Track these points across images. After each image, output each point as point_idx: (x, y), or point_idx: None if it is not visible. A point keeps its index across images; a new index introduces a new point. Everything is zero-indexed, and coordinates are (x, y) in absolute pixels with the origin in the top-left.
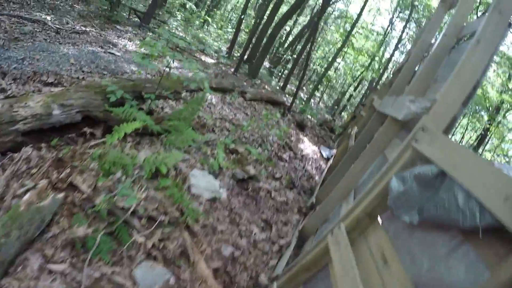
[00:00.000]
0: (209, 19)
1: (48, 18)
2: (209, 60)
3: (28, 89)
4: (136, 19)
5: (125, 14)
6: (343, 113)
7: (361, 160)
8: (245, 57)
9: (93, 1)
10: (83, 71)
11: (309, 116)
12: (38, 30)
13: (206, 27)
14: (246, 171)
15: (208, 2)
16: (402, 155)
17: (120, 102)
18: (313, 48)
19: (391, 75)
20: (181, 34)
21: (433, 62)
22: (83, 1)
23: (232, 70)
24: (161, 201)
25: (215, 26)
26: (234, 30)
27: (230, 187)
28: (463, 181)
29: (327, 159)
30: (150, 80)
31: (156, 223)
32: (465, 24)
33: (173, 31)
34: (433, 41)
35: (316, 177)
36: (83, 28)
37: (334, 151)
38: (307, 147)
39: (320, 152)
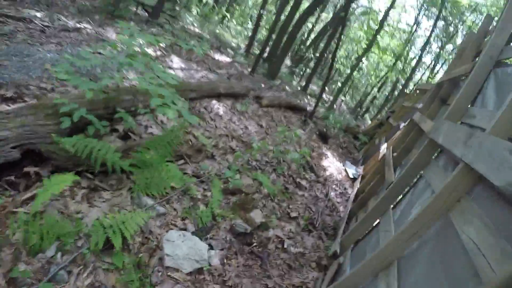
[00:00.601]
0: (228, 15)
1: (38, 15)
2: (225, 59)
3: None
4: (145, 13)
5: (132, 8)
6: (366, 115)
7: (412, 226)
8: (265, 55)
9: None
10: (57, 80)
11: (332, 122)
12: (20, 30)
13: (226, 23)
14: (251, 221)
15: None
16: None
17: (84, 124)
18: (339, 46)
19: (434, 83)
20: (196, 30)
21: (474, 86)
22: None
23: (249, 70)
24: None
25: (234, 22)
26: (266, 29)
27: (226, 245)
28: None
29: (354, 179)
30: (131, 90)
31: None
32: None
33: (188, 27)
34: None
35: (341, 208)
36: (77, 25)
37: (361, 170)
38: (331, 164)
39: (345, 170)
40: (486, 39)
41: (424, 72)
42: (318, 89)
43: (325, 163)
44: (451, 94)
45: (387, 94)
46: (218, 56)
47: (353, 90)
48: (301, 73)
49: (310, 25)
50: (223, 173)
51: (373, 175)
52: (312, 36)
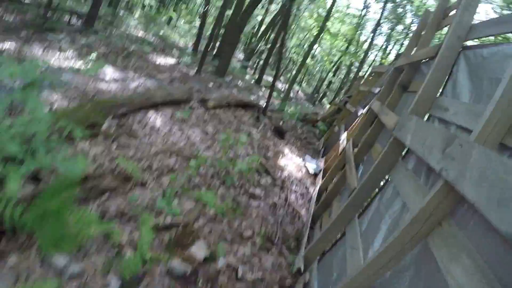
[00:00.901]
0: (174, 14)
1: None
2: (169, 61)
3: None
4: (78, 22)
5: (64, 19)
6: (324, 100)
7: (383, 257)
8: (214, 52)
9: (30, 9)
10: None
11: (289, 114)
12: None
13: (174, 23)
14: (192, 258)
15: None
16: None
17: None
18: (287, 35)
19: (389, 64)
20: (140, 33)
21: (442, 71)
22: (19, 12)
23: (196, 70)
24: None
25: (182, 22)
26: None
27: None
28: None
29: (315, 175)
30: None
31: None
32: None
33: (131, 31)
34: (472, 22)
35: (303, 211)
36: None
37: (322, 163)
38: (289, 162)
39: (305, 165)
40: (448, 17)
41: (377, 54)
42: (268, 77)
43: (282, 161)
44: (412, 80)
45: (342, 77)
46: (161, 60)
47: (308, 77)
48: (255, 66)
49: (260, 18)
50: (156, 202)
51: (334, 170)
52: (263, 28)
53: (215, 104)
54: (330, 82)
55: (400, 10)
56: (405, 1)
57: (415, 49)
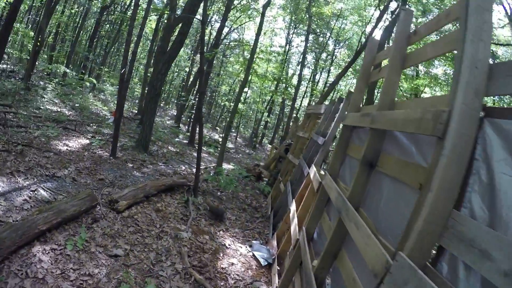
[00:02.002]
0: (94, 81)
1: None
2: (79, 143)
3: None
4: None
5: None
6: (264, 140)
7: None
8: (139, 118)
9: None
10: None
11: (224, 182)
12: None
13: (101, 86)
14: None
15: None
16: None
17: None
18: (207, 85)
19: (329, 105)
20: (55, 108)
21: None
22: None
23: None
24: None
25: (108, 84)
26: (140, 84)
27: None
28: None
29: (269, 265)
30: None
31: None
32: None
33: (45, 106)
34: None
35: None
36: None
37: (274, 245)
38: (233, 258)
39: (254, 256)
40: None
41: (307, 85)
42: (209, 131)
43: (224, 262)
44: (383, 153)
45: (278, 113)
46: (71, 143)
47: (245, 120)
48: (188, 120)
49: (188, 69)
50: None
51: (292, 263)
52: (192, 79)
53: (129, 203)
54: (266, 122)
55: (321, 39)
56: (325, 30)
57: (376, 102)
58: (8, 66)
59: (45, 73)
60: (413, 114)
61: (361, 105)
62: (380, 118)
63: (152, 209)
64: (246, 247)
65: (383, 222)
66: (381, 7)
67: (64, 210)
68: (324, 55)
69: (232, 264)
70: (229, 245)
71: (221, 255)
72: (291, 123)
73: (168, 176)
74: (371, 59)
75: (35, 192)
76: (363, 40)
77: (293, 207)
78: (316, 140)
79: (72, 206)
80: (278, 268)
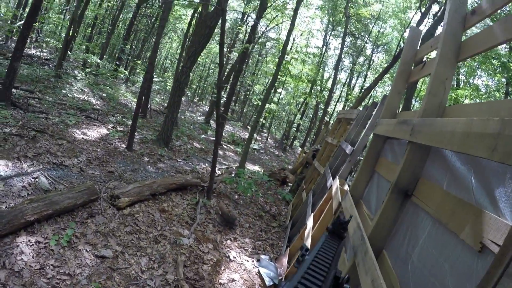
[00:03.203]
0: (126, 72)
1: None
2: (97, 133)
3: None
4: None
5: None
6: (295, 143)
7: None
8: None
9: None
10: None
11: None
12: None
13: (133, 78)
14: None
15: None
16: None
17: None
18: (242, 80)
19: (363, 111)
20: (84, 97)
21: None
22: None
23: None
24: None
25: (142, 77)
26: (172, 78)
27: None
28: None
29: (274, 286)
30: None
31: None
32: None
33: (73, 95)
34: None
35: None
36: None
37: (285, 262)
38: (235, 273)
39: (260, 273)
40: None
41: (342, 90)
42: (232, 128)
43: (224, 276)
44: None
45: (311, 116)
46: (90, 132)
47: (276, 120)
48: None
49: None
50: None
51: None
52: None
53: (132, 200)
54: (298, 125)
55: (359, 42)
56: (363, 33)
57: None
58: (44, 54)
59: (80, 62)
60: (482, 125)
61: (398, 111)
62: (423, 128)
63: (156, 209)
64: (253, 261)
65: (413, 280)
66: (423, 9)
67: (57, 202)
68: (361, 59)
69: (233, 280)
70: (234, 257)
71: (222, 268)
72: (322, 127)
73: (185, 173)
74: (413, 53)
75: (37, 179)
76: (402, 44)
77: (310, 222)
78: (344, 149)
79: (67, 198)
80: None
